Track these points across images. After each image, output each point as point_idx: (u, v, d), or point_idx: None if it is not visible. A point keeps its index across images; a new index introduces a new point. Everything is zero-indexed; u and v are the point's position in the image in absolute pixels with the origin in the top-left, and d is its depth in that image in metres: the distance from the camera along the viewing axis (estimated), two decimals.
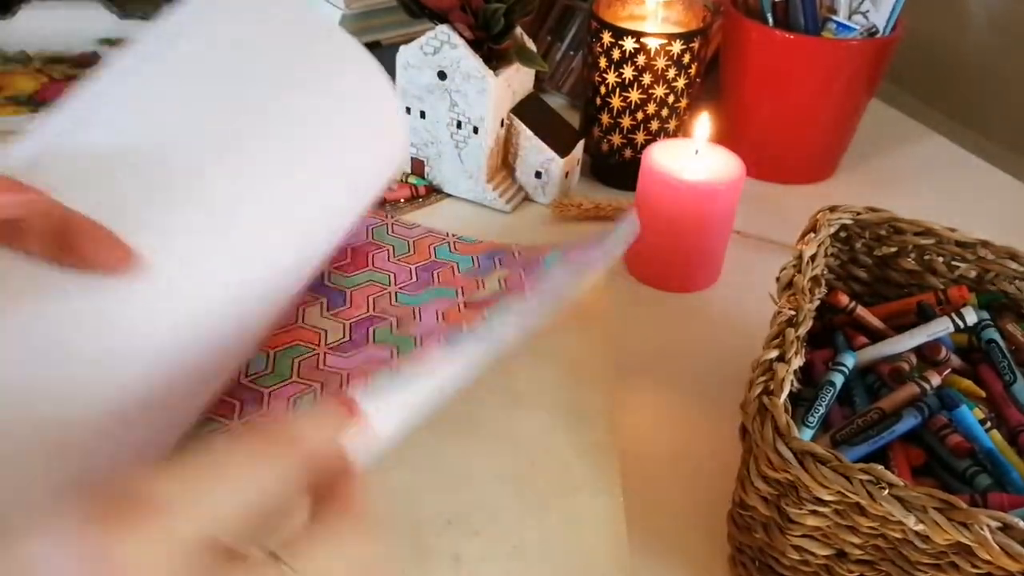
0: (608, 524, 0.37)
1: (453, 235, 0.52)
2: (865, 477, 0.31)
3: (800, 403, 0.40)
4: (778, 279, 0.42)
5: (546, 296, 0.38)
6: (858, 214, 0.46)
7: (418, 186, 0.63)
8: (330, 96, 0.39)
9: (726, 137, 0.66)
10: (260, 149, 0.36)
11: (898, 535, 0.32)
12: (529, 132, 0.61)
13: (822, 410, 0.38)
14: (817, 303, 0.42)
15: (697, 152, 0.54)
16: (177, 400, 0.32)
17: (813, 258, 0.42)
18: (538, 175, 0.63)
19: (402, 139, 0.44)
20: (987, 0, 0.83)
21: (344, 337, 0.42)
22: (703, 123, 0.54)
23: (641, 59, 0.60)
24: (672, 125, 0.65)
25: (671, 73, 0.61)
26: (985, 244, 0.45)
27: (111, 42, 0.80)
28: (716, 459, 0.44)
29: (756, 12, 0.65)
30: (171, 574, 0.19)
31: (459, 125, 0.60)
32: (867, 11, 0.64)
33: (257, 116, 0.36)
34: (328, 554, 0.21)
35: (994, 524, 0.30)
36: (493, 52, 0.58)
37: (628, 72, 0.61)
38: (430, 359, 0.32)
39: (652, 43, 0.60)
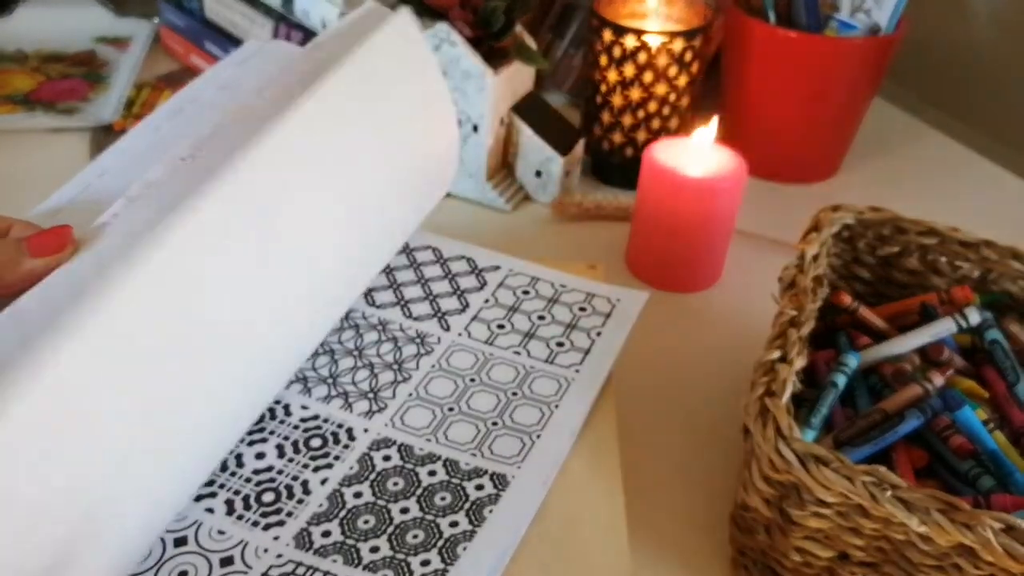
0: (608, 524, 0.37)
1: None
2: (868, 479, 0.31)
3: (802, 404, 0.39)
4: (780, 279, 0.42)
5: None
6: (861, 213, 0.46)
7: None
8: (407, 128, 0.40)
9: (728, 135, 0.66)
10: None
11: (901, 537, 0.32)
12: (529, 131, 0.61)
13: (824, 411, 0.38)
14: (820, 303, 0.41)
15: (699, 151, 0.54)
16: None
17: (816, 258, 0.42)
18: (538, 174, 0.62)
19: (454, 162, 0.45)
20: None
21: None
22: (711, 127, 0.53)
23: (642, 57, 0.60)
24: (673, 123, 0.64)
25: (672, 71, 0.61)
26: (988, 244, 0.45)
27: (108, 40, 0.79)
28: (718, 460, 0.43)
29: (758, 10, 0.65)
30: None
31: (459, 123, 0.59)
32: (870, 9, 0.64)
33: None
34: None
35: (997, 526, 0.30)
36: (493, 50, 0.58)
37: (629, 70, 0.61)
38: None
39: (653, 41, 0.60)
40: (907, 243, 0.46)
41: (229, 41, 0.71)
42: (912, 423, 0.37)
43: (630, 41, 0.60)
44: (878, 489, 0.31)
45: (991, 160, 0.75)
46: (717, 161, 0.53)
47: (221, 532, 0.34)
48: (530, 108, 0.62)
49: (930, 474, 0.38)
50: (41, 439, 0.25)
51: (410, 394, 0.40)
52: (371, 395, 0.40)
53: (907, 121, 0.81)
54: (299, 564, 0.33)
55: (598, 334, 0.45)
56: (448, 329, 0.44)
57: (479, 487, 0.36)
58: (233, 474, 0.36)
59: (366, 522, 0.35)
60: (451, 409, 0.40)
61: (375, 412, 0.40)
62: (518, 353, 0.43)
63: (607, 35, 0.61)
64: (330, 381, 0.41)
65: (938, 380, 0.39)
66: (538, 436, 0.39)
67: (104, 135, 0.66)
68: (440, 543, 0.34)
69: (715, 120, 0.53)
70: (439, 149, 0.44)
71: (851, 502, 0.32)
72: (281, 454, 0.37)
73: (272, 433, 0.38)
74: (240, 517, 0.34)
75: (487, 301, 0.46)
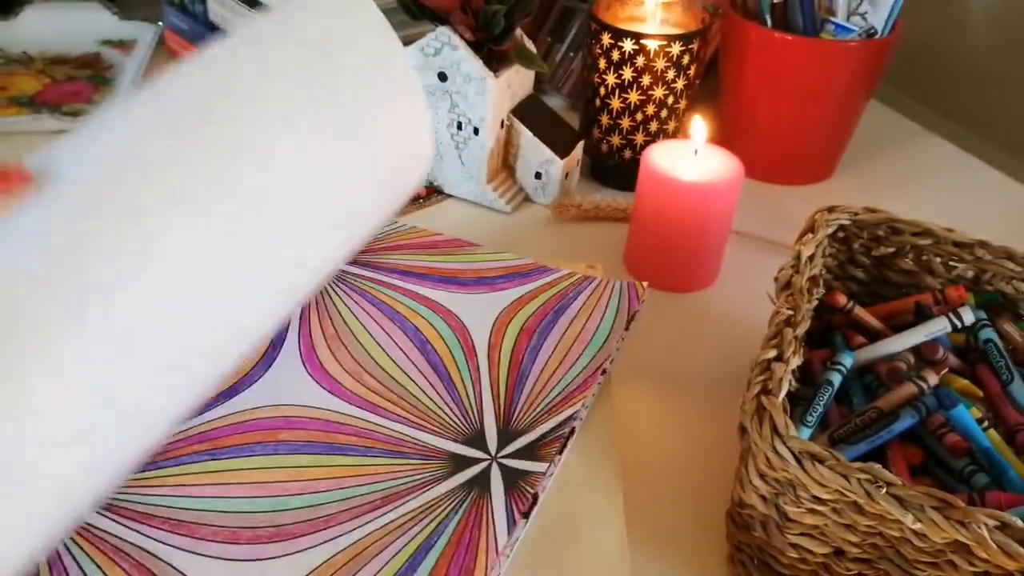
0: (608, 523, 0.37)
1: None
2: (863, 476, 0.31)
3: (798, 402, 0.40)
4: (776, 279, 0.42)
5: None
6: (856, 214, 0.46)
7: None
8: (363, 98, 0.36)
9: (725, 138, 0.66)
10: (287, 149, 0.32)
11: (896, 534, 0.32)
12: (529, 133, 0.61)
13: (820, 409, 0.39)
14: (815, 303, 0.42)
15: (696, 153, 0.54)
16: None
17: (811, 258, 0.42)
18: (538, 176, 0.63)
19: (428, 151, 0.41)
20: (985, 1, 0.83)
21: None
22: (698, 125, 0.54)
23: (640, 60, 0.61)
24: (671, 126, 0.65)
25: (670, 74, 0.62)
26: (983, 244, 0.45)
27: (113, 43, 0.80)
28: (715, 458, 0.44)
29: (755, 13, 0.65)
30: None
31: (459, 126, 0.60)
32: (865, 12, 0.64)
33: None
34: None
35: (992, 523, 0.30)
36: (493, 53, 0.58)
37: (627, 73, 0.61)
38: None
39: (651, 44, 0.60)
40: (902, 243, 0.46)
41: None
42: (907, 421, 0.38)
43: (628, 45, 0.60)
44: (873, 486, 0.31)
45: (985, 162, 0.75)
46: (714, 163, 0.54)
47: None
48: (530, 111, 0.62)
49: (925, 472, 0.38)
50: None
51: None
52: None
53: (902, 123, 0.81)
54: None
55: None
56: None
57: None
58: None
59: None
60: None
61: None
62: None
63: (605, 39, 0.61)
64: None
65: (932, 379, 0.39)
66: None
67: None
68: None
69: (698, 120, 0.54)
70: (401, 116, 0.38)
71: (846, 499, 0.32)
72: None
73: None
74: None
75: None
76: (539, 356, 0.44)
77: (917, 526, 0.30)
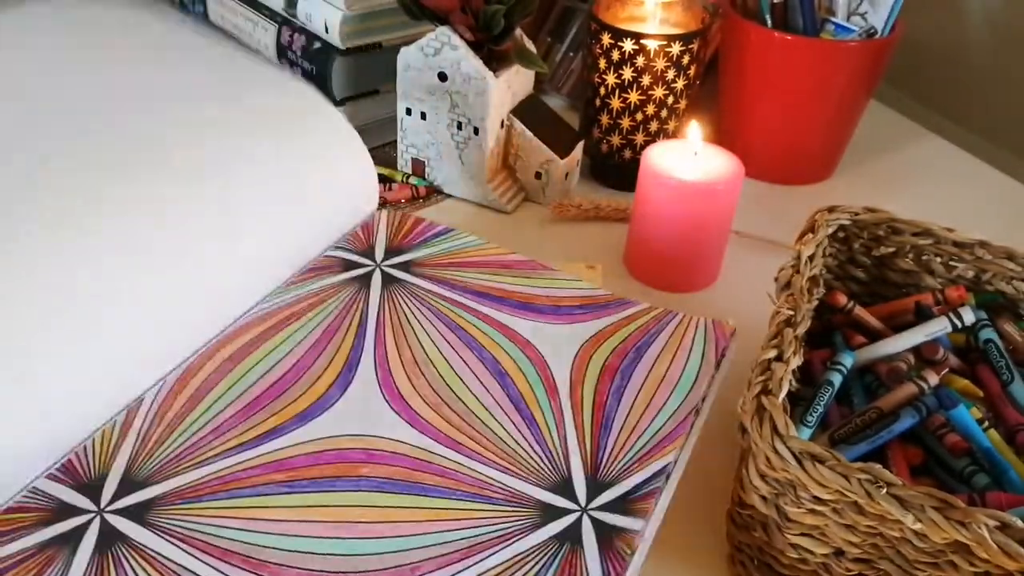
0: None
1: None
2: (863, 476, 0.31)
3: (799, 402, 0.40)
4: (776, 279, 0.42)
5: None
6: (856, 214, 0.46)
7: (419, 187, 0.63)
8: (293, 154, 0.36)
9: (725, 138, 0.66)
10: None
11: (896, 534, 0.32)
12: (529, 133, 0.61)
13: (820, 409, 0.39)
14: (815, 303, 0.42)
15: (696, 153, 0.54)
16: None
17: (811, 258, 0.42)
18: (538, 176, 0.63)
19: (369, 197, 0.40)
20: (985, 2, 0.83)
21: None
22: (694, 130, 0.54)
23: (640, 60, 0.61)
24: (671, 126, 0.65)
25: (670, 74, 0.62)
26: (983, 244, 0.45)
27: None
28: (715, 458, 0.44)
29: (755, 13, 0.65)
30: None
31: (459, 126, 0.60)
32: (865, 12, 0.64)
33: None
34: None
35: (992, 523, 0.30)
36: (493, 54, 0.58)
37: (627, 73, 0.61)
38: None
39: (651, 44, 0.60)
40: (902, 243, 0.46)
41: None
42: (907, 421, 0.38)
43: (628, 45, 0.60)
44: (873, 487, 0.31)
45: (985, 161, 0.75)
46: (714, 163, 0.54)
47: None
48: (530, 111, 0.62)
49: (925, 472, 0.38)
50: None
51: None
52: None
53: (902, 123, 0.81)
54: None
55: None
56: None
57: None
58: None
59: None
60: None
61: None
62: None
63: (605, 39, 0.61)
64: None
65: (933, 379, 0.39)
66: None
67: None
68: None
69: (694, 125, 0.54)
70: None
71: (847, 499, 0.32)
72: None
73: None
74: None
75: None
76: (624, 398, 0.41)
77: (917, 526, 0.30)
